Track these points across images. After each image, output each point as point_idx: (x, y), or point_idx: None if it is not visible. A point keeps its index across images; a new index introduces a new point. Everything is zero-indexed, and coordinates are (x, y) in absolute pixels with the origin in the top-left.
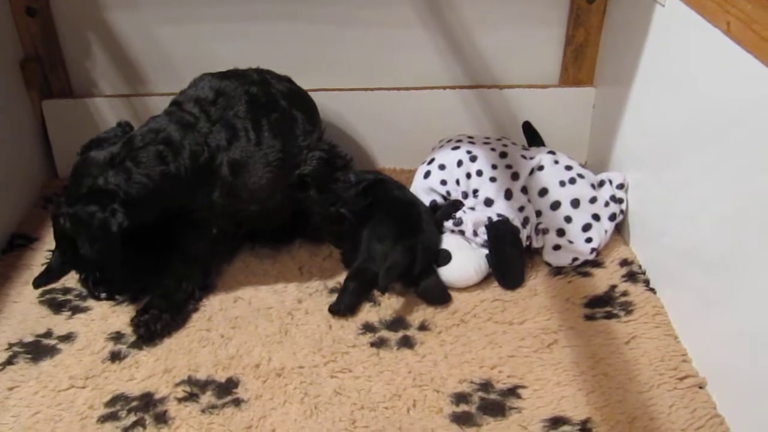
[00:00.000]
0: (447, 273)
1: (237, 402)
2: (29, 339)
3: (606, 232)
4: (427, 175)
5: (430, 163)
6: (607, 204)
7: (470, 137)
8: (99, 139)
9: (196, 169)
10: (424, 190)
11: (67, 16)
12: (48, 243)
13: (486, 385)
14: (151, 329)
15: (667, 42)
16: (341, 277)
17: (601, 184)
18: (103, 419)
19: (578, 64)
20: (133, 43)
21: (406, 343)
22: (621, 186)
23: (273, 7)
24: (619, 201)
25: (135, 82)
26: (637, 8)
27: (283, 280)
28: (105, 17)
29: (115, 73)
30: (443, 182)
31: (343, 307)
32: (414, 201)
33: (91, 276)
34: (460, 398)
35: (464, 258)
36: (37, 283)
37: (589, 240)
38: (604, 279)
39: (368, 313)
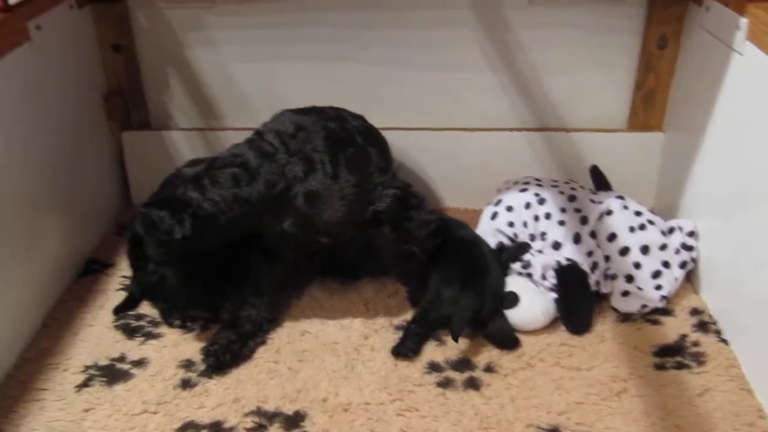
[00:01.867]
0: (514, 315)
1: None
2: (104, 362)
3: (676, 279)
4: (494, 216)
5: (497, 204)
6: (677, 251)
7: (538, 179)
8: (199, 159)
9: (270, 197)
10: (490, 231)
11: (149, 53)
12: (122, 269)
13: (554, 431)
14: (221, 359)
15: (744, 89)
16: (407, 316)
17: (671, 231)
18: None
19: (647, 108)
20: (209, 80)
21: (472, 384)
22: (691, 233)
23: (344, 48)
24: (690, 248)
25: (210, 117)
26: (712, 56)
27: (349, 315)
28: (185, 54)
29: (192, 108)
30: (510, 224)
31: (407, 350)
32: (478, 241)
33: (164, 303)
34: None
35: (532, 301)
36: (118, 310)
37: (658, 287)
38: (674, 328)
39: (433, 352)
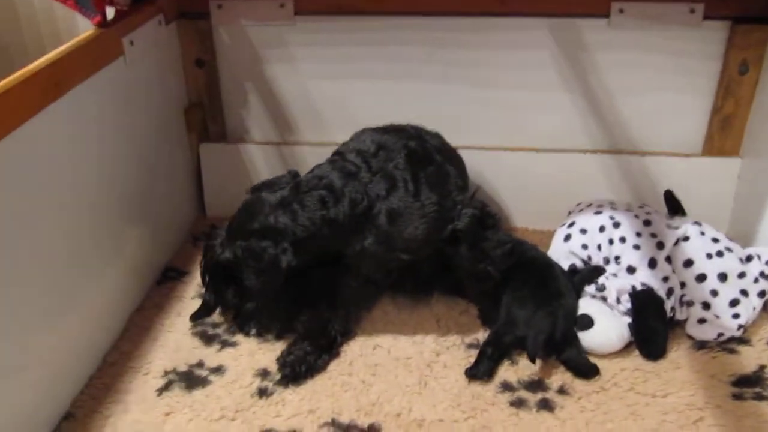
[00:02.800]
0: (589, 338)
1: None
2: (183, 368)
3: (754, 309)
4: (567, 238)
5: (570, 226)
6: (756, 280)
7: (612, 203)
8: (270, 182)
9: (354, 215)
10: (563, 253)
11: (229, 68)
12: (197, 277)
13: None
14: (296, 370)
15: None
16: (478, 334)
17: (749, 258)
18: None
19: (724, 134)
20: (286, 96)
21: (546, 405)
22: None
23: (420, 67)
24: None
25: (284, 131)
26: None
27: (421, 331)
28: (263, 69)
29: (267, 122)
30: (584, 246)
31: (481, 372)
32: (551, 262)
33: (240, 312)
34: None
35: (607, 324)
36: (195, 317)
37: (736, 316)
38: (752, 358)
39: (506, 371)
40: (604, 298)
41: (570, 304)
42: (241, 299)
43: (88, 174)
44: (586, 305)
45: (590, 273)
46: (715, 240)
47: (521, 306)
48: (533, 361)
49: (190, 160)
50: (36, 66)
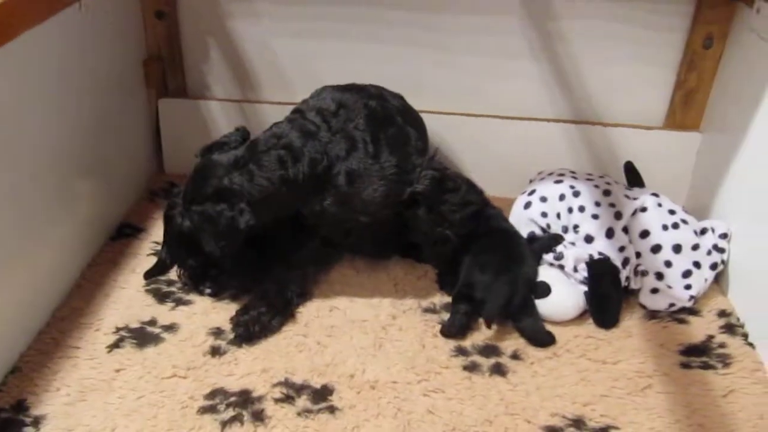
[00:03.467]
0: (545, 306)
1: (332, 409)
2: (135, 325)
3: (706, 280)
4: (527, 205)
5: (531, 193)
6: (709, 252)
7: (573, 172)
8: (219, 143)
9: (314, 176)
10: (523, 220)
11: (191, 21)
12: (154, 234)
13: (578, 422)
14: (250, 330)
15: None
16: (434, 299)
17: (704, 231)
18: (203, 411)
19: (686, 108)
20: (249, 52)
21: (498, 370)
22: (724, 235)
23: (385, 29)
24: (721, 250)
25: (246, 89)
26: (759, 59)
27: (378, 294)
28: (226, 24)
29: (229, 79)
30: (544, 214)
31: (456, 329)
32: (516, 231)
33: (195, 271)
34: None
35: (563, 293)
36: (149, 275)
37: (688, 287)
38: (700, 328)
39: (457, 338)
40: (561, 267)
41: (530, 271)
42: (201, 262)
43: (35, 125)
44: (543, 273)
45: (549, 241)
46: (672, 212)
47: (482, 270)
48: (489, 325)
49: (148, 116)
50: None
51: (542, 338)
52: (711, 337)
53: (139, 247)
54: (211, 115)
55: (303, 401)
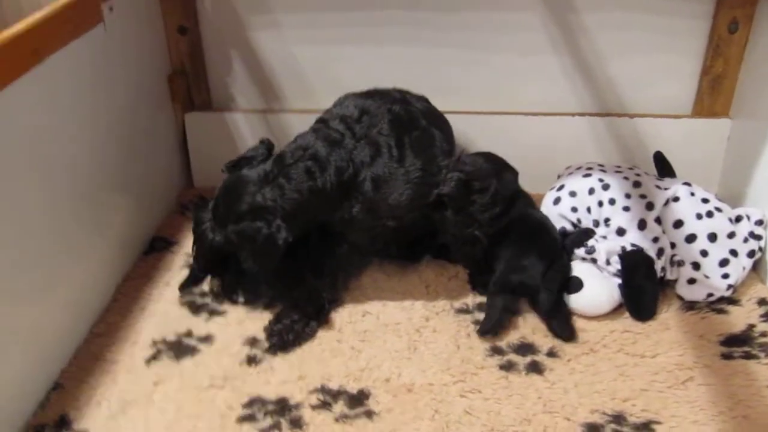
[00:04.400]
0: (579, 301)
1: (369, 414)
2: (172, 338)
3: (744, 269)
4: (557, 201)
5: (560, 189)
6: (745, 240)
7: (601, 165)
8: (246, 157)
9: (341, 184)
10: (553, 216)
11: (213, 35)
12: (186, 246)
13: (619, 418)
14: (284, 338)
15: None
16: (467, 299)
17: (738, 219)
18: (242, 420)
19: (714, 95)
20: (271, 62)
21: (535, 368)
22: (760, 222)
23: (407, 31)
24: (758, 238)
25: (270, 98)
26: None
27: (410, 297)
28: (248, 36)
29: (253, 89)
30: (574, 209)
31: (492, 326)
32: (547, 223)
33: (228, 282)
34: (592, 429)
35: (597, 286)
36: (183, 287)
37: (726, 276)
38: (740, 317)
39: (496, 335)
40: (594, 261)
41: (565, 263)
42: (233, 273)
43: (68, 144)
44: (576, 268)
45: (580, 235)
46: (705, 200)
47: (526, 256)
48: (547, 313)
49: (175, 130)
50: (13, 33)
51: (568, 330)
52: (752, 326)
53: (172, 260)
54: (236, 127)
55: (340, 407)
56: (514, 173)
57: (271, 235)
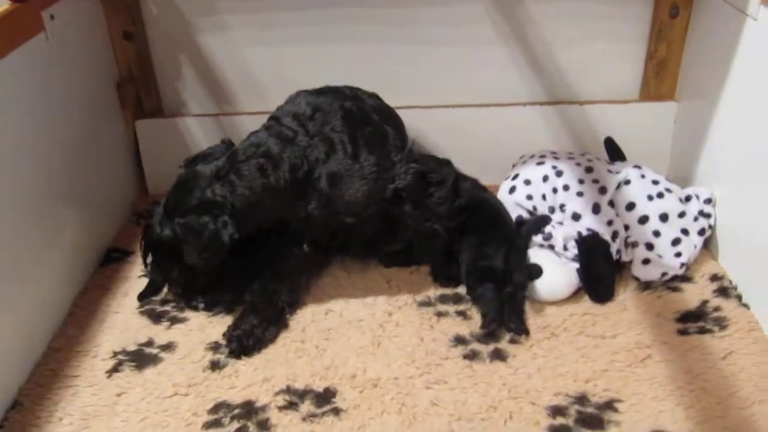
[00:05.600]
0: (539, 287)
1: (336, 411)
2: (132, 348)
3: (695, 246)
4: (512, 190)
5: (514, 178)
6: (695, 218)
7: (554, 153)
8: (204, 154)
9: (295, 181)
10: (509, 205)
11: (160, 40)
12: None
13: (582, 399)
14: (244, 344)
15: (759, 55)
16: (429, 292)
17: (688, 198)
18: (208, 425)
19: (659, 78)
20: (221, 65)
21: (499, 355)
22: (708, 201)
23: (354, 28)
24: (707, 216)
25: (222, 102)
26: (725, 23)
27: (372, 293)
28: (196, 39)
29: (204, 93)
30: (529, 197)
31: (493, 317)
32: (501, 207)
33: (181, 288)
34: (557, 411)
35: (555, 272)
36: (142, 296)
37: (678, 254)
38: (695, 294)
39: (459, 326)
40: (551, 247)
41: (521, 244)
42: (187, 275)
43: (14, 156)
44: (534, 254)
45: (537, 222)
46: (655, 182)
47: (490, 243)
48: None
49: (127, 138)
50: None
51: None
52: (705, 301)
53: (130, 270)
54: (189, 132)
55: (307, 406)
56: (446, 161)
57: (216, 231)
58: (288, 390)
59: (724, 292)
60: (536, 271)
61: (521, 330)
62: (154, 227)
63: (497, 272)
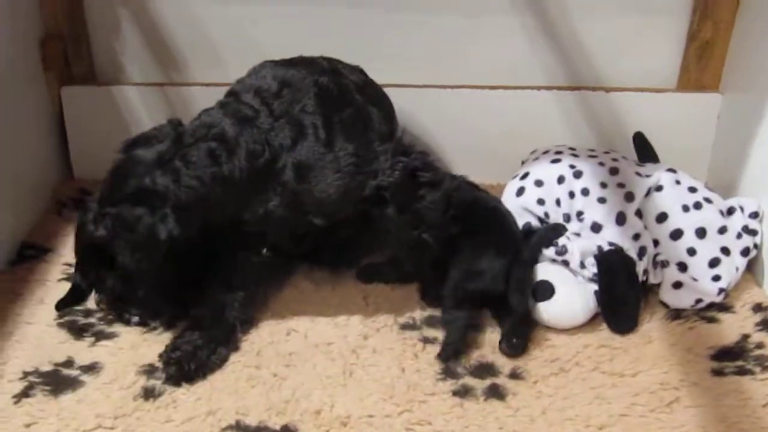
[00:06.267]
0: (549, 310)
1: None
2: (47, 368)
3: (737, 269)
4: (520, 192)
5: (523, 178)
6: (739, 236)
7: (572, 149)
8: (146, 136)
9: (253, 172)
10: (516, 210)
11: None
12: (64, 255)
13: None
14: (184, 369)
15: None
16: (414, 312)
17: (731, 211)
18: None
19: (702, 64)
20: (170, 24)
21: (495, 393)
22: (755, 215)
23: None
24: (753, 233)
25: (170, 69)
26: None
27: (345, 311)
28: None
29: (148, 57)
30: (540, 202)
31: (455, 349)
32: (501, 208)
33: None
34: None
35: (570, 293)
36: (61, 305)
37: (716, 278)
38: (734, 327)
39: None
40: (565, 263)
41: (527, 258)
42: (125, 285)
43: None
44: (545, 271)
45: (548, 233)
46: (693, 189)
47: (484, 256)
48: (525, 323)
49: (49, 108)
50: None
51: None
52: (746, 336)
53: (47, 271)
54: (127, 104)
55: None
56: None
57: (153, 226)
58: (237, 426)
59: None
60: (546, 291)
61: (519, 346)
62: (88, 226)
63: (491, 296)
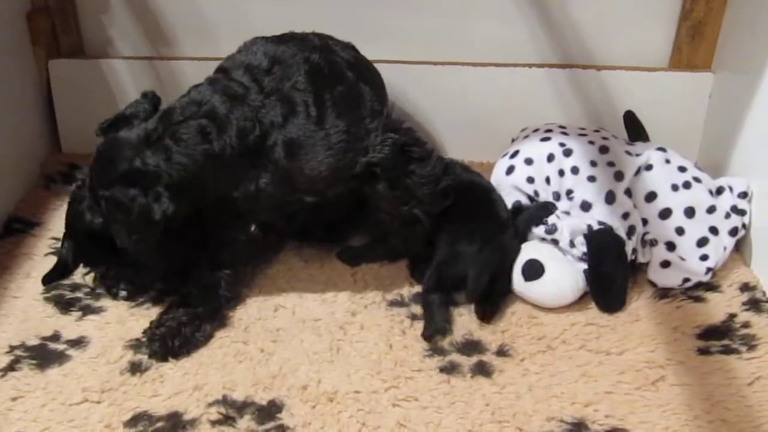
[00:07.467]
0: (538, 289)
1: (282, 429)
2: (34, 342)
3: (725, 249)
4: (510, 170)
5: (513, 156)
6: (727, 215)
7: (562, 126)
8: (125, 115)
9: (244, 149)
10: (506, 188)
11: None
12: (52, 229)
13: (579, 425)
14: (168, 345)
15: None
16: (402, 288)
17: (720, 191)
18: None
19: (695, 44)
20: None
21: (482, 370)
22: (744, 195)
23: None
24: (742, 213)
25: (159, 43)
26: None
27: (333, 287)
28: None
29: (137, 31)
30: (530, 180)
31: (436, 327)
32: (494, 194)
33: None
34: None
35: (559, 272)
36: (48, 279)
37: (704, 257)
38: (721, 306)
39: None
40: (555, 241)
41: (505, 242)
42: (113, 261)
43: None
44: (534, 250)
45: (538, 211)
46: (682, 169)
47: (468, 240)
48: (473, 299)
49: (37, 81)
50: None
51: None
52: (733, 315)
53: (34, 245)
54: (115, 78)
55: (246, 422)
56: None
57: (147, 205)
58: (224, 401)
59: (755, 305)
60: (536, 270)
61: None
62: (85, 215)
63: (463, 279)
